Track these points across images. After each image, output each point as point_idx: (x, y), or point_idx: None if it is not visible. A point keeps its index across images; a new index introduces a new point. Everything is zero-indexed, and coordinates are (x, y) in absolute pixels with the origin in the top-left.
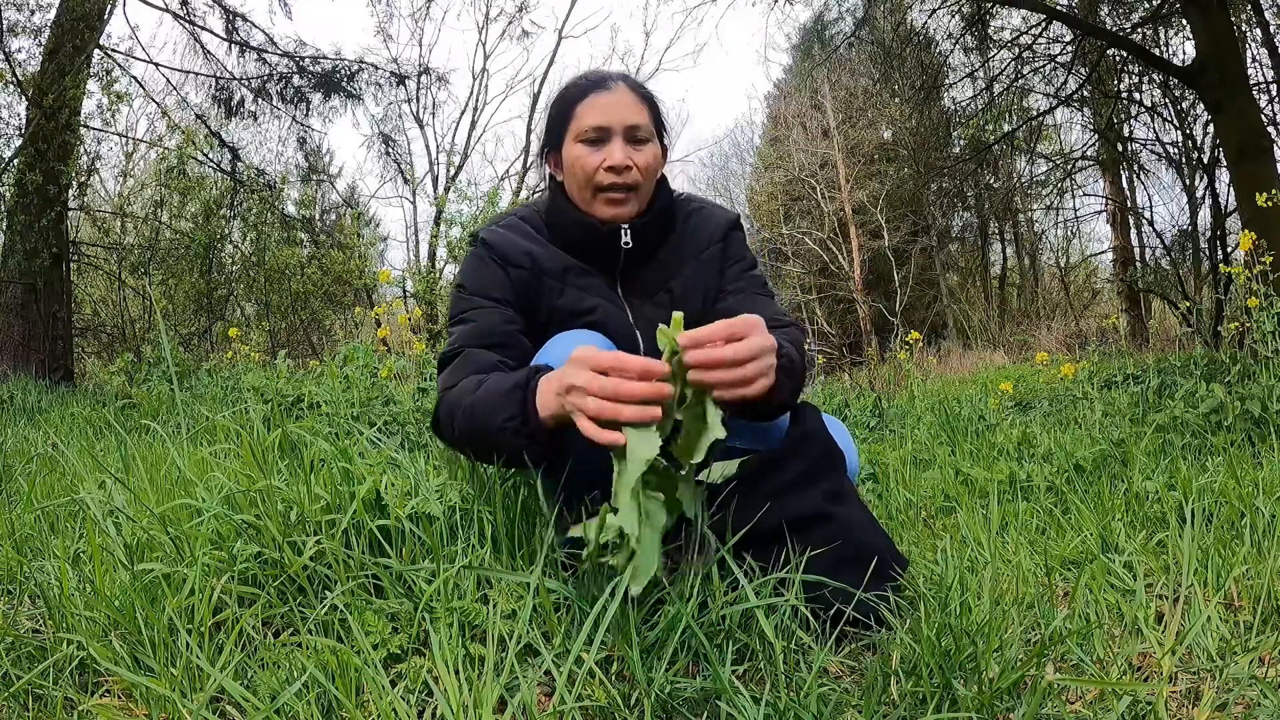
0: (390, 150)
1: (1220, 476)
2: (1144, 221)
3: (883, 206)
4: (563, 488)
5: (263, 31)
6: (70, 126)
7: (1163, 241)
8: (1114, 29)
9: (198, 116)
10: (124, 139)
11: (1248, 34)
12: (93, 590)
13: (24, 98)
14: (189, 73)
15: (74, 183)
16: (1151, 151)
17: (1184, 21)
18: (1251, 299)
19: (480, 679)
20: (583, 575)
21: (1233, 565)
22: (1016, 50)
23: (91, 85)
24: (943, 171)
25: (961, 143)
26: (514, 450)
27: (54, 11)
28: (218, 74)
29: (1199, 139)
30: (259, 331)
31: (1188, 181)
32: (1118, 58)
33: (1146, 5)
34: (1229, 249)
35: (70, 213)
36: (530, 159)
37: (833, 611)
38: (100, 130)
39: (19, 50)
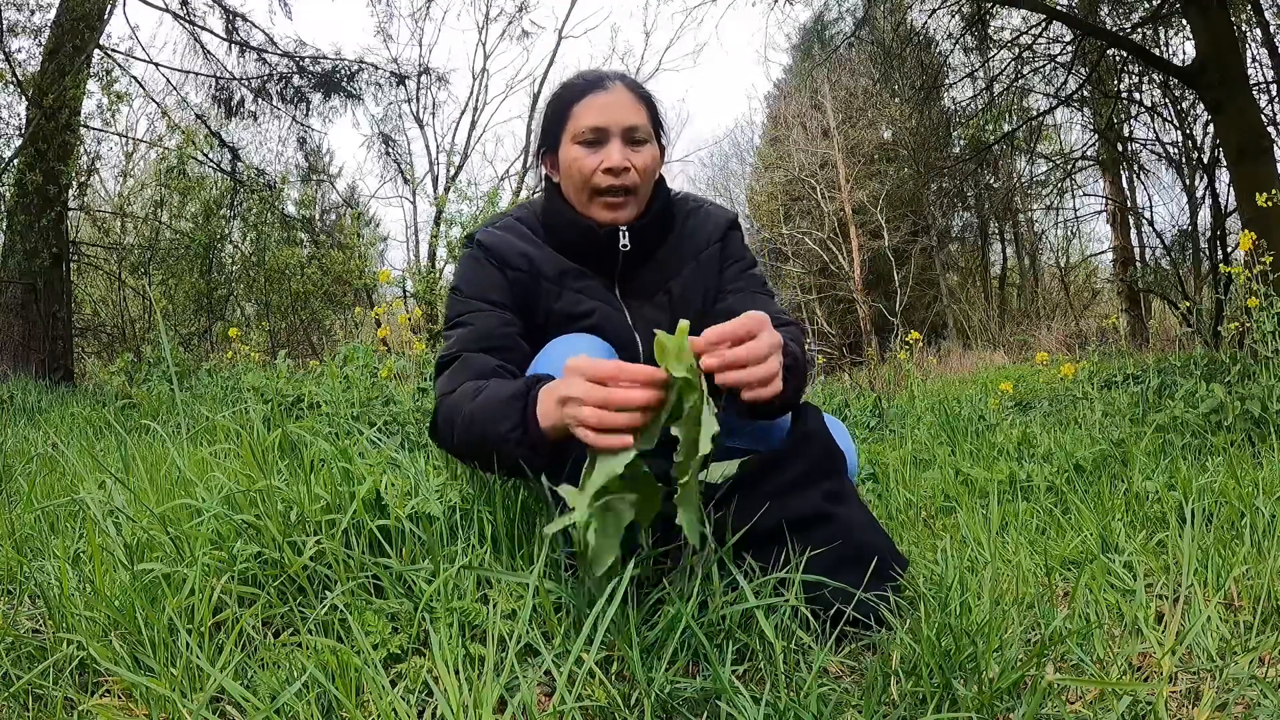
0: (390, 150)
1: (1220, 476)
2: (1144, 221)
3: (883, 206)
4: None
5: (263, 31)
6: (70, 126)
7: (1163, 241)
8: (1114, 29)
9: (198, 116)
10: (124, 139)
11: (1248, 34)
12: (93, 590)
13: (24, 98)
14: (189, 73)
15: (74, 183)
16: (1151, 151)
17: (1184, 21)
18: (1251, 299)
19: (480, 679)
20: (582, 575)
21: (1233, 565)
22: (1016, 50)
23: (91, 85)
24: (943, 171)
25: (961, 143)
26: (514, 459)
27: (54, 11)
28: (218, 74)
29: (1199, 139)
30: (259, 331)
31: (1188, 181)
32: (1118, 58)
33: (1146, 5)
34: (1229, 249)
35: (70, 213)
36: (530, 159)
37: (833, 611)
38: (100, 130)
39: (19, 50)
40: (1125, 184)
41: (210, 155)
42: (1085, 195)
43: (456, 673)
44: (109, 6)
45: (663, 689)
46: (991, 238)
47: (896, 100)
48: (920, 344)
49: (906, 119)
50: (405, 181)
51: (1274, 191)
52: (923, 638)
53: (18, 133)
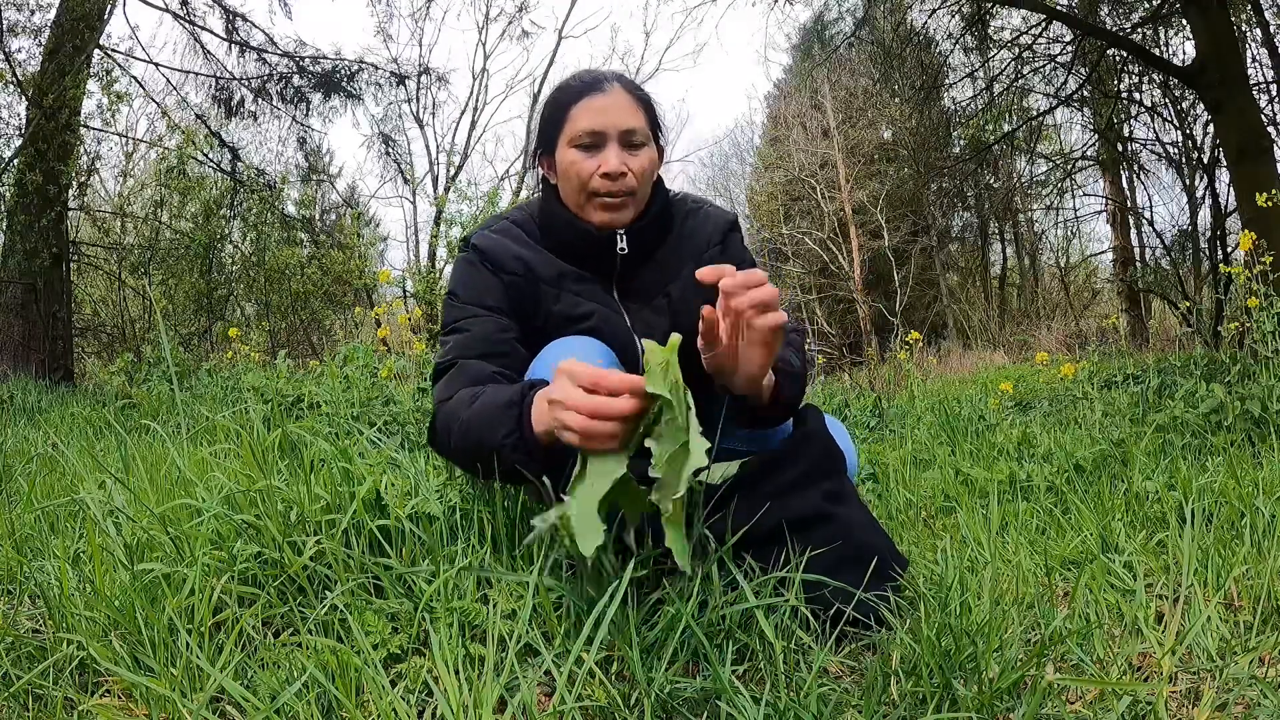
0: (390, 150)
1: (1220, 476)
2: (1144, 221)
3: (883, 206)
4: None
5: (263, 31)
6: (70, 126)
7: (1163, 241)
8: (1114, 29)
9: (198, 116)
10: (124, 139)
11: (1248, 34)
12: (93, 590)
13: (24, 98)
14: (189, 73)
15: (74, 183)
16: (1151, 151)
17: (1184, 21)
18: (1251, 299)
19: (480, 679)
20: (582, 576)
21: (1233, 565)
22: (1016, 50)
23: (91, 85)
24: (943, 171)
25: (961, 143)
26: (510, 465)
27: (54, 11)
28: (218, 74)
29: (1199, 139)
30: (259, 331)
31: (1188, 181)
32: (1118, 58)
33: (1146, 5)
34: (1229, 249)
35: (70, 213)
36: (529, 160)
37: (833, 611)
38: (100, 130)
39: (19, 50)
40: (1125, 184)
41: (210, 155)
42: (1085, 195)
43: (456, 673)
44: (109, 6)
45: (663, 689)
46: (991, 238)
47: (896, 100)
48: (920, 344)
49: (906, 119)
50: (405, 181)
51: (1274, 191)
52: (923, 638)
53: (18, 133)
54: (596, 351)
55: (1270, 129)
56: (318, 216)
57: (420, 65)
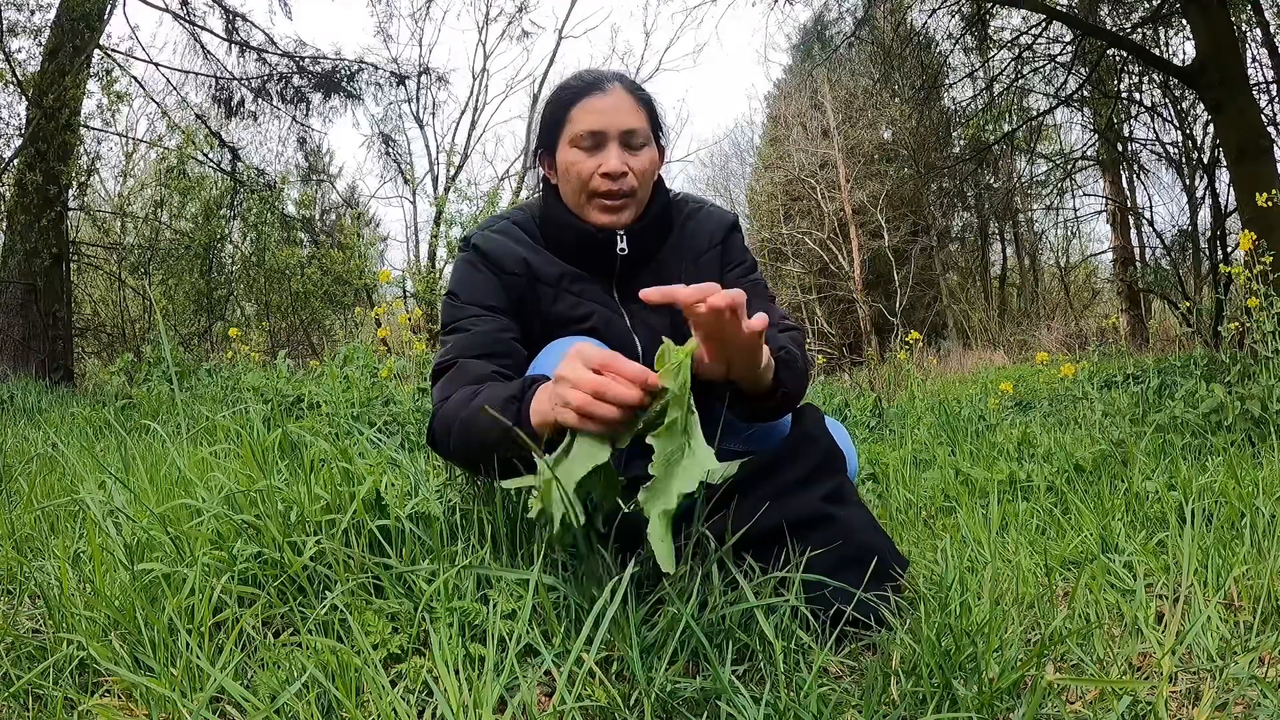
0: (390, 150)
1: (1220, 476)
2: (1144, 221)
3: (883, 206)
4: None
5: (263, 31)
6: (70, 126)
7: (1163, 241)
8: (1114, 29)
9: (198, 116)
10: (124, 139)
11: (1248, 34)
12: (93, 590)
13: (24, 98)
14: (189, 73)
15: (74, 183)
16: (1151, 151)
17: (1184, 21)
18: (1251, 299)
19: (480, 679)
20: (582, 575)
21: (1233, 565)
22: (1016, 50)
23: (91, 85)
24: (943, 171)
25: (961, 143)
26: (509, 461)
27: (54, 11)
28: (218, 74)
29: (1199, 139)
30: (259, 331)
31: (1188, 181)
32: (1118, 58)
33: (1146, 5)
34: (1229, 249)
35: (70, 213)
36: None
37: (833, 612)
38: (100, 130)
39: (19, 50)
40: (1125, 184)
41: (210, 155)
42: (1085, 195)
43: (456, 673)
44: (109, 6)
45: (663, 689)
46: (991, 238)
47: (896, 100)
48: (920, 344)
49: (906, 119)
50: (405, 181)
51: (1274, 191)
52: (923, 638)
53: (18, 133)
54: None
55: (1270, 129)
56: (318, 216)
57: (420, 65)
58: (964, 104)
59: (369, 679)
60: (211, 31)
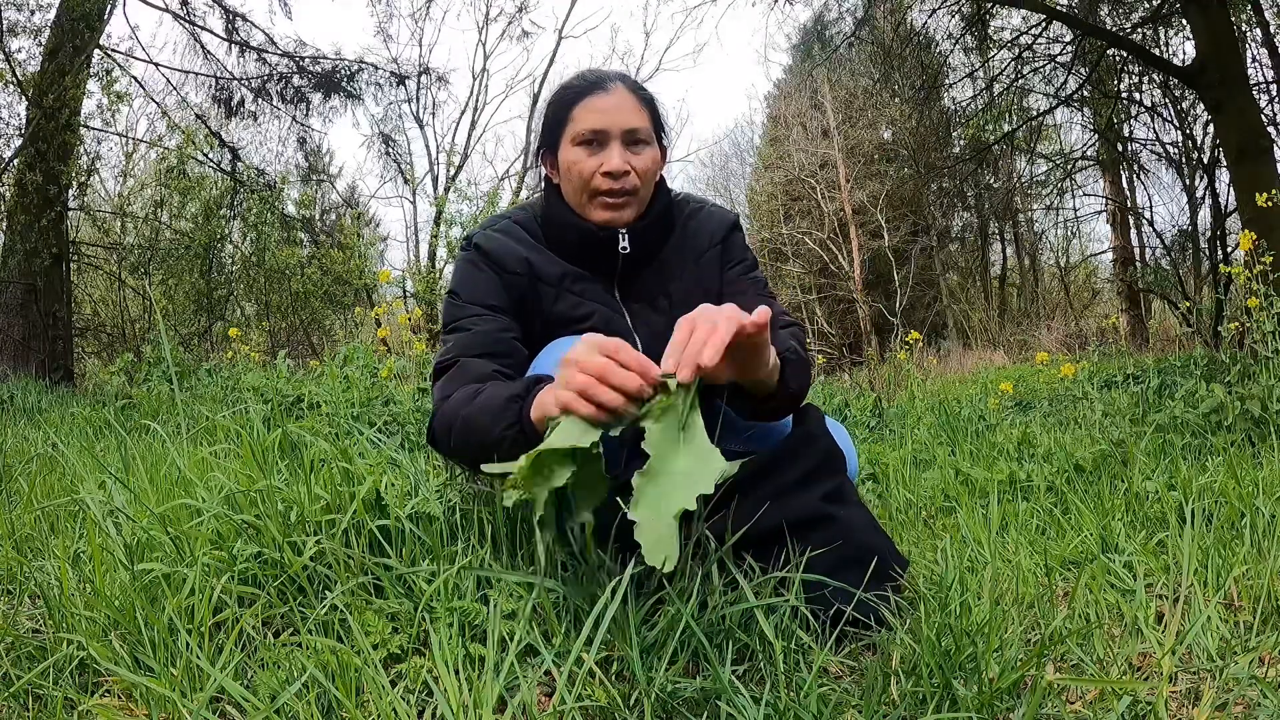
0: (390, 150)
1: (1220, 476)
2: (1144, 221)
3: (883, 206)
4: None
5: (263, 31)
6: (70, 126)
7: (1163, 241)
8: (1114, 29)
9: (198, 116)
10: (124, 139)
11: (1248, 34)
12: (93, 590)
13: (24, 98)
14: (189, 73)
15: (74, 183)
16: (1151, 151)
17: (1184, 21)
18: (1251, 299)
19: (480, 679)
20: (582, 575)
21: (1233, 565)
22: (1016, 50)
23: (91, 85)
24: (943, 171)
25: (961, 143)
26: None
27: (54, 11)
28: (218, 74)
29: (1199, 139)
30: (259, 331)
31: (1188, 181)
32: (1118, 58)
33: (1146, 5)
34: (1229, 249)
35: (70, 213)
36: (530, 159)
37: (833, 612)
38: (100, 130)
39: (19, 50)
40: (1125, 184)
41: (210, 155)
42: (1085, 195)
43: (456, 673)
44: (109, 6)
45: (663, 689)
46: (991, 238)
47: (896, 100)
48: (920, 344)
49: (906, 119)
50: (405, 181)
51: (1274, 191)
52: (923, 638)
53: (18, 133)
54: None
55: (1270, 129)
56: (318, 216)
57: (420, 65)
58: (964, 104)
59: (369, 679)
60: (211, 31)
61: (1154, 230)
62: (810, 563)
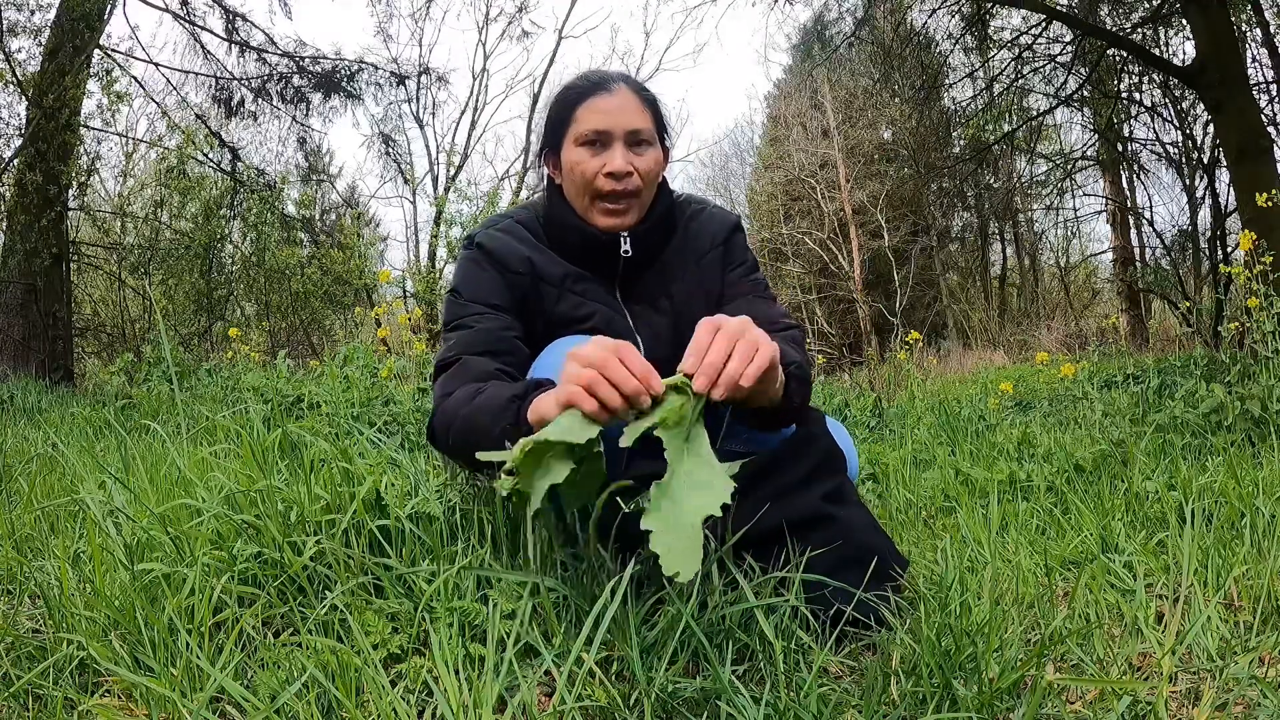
0: (390, 150)
1: (1220, 476)
2: (1144, 221)
3: (883, 206)
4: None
5: (263, 31)
6: (70, 126)
7: (1163, 241)
8: (1114, 29)
9: (198, 116)
10: (124, 139)
11: (1248, 34)
12: (93, 590)
13: (24, 98)
14: (189, 73)
15: (74, 183)
16: (1151, 151)
17: (1184, 21)
18: (1251, 299)
19: (480, 679)
20: (582, 575)
21: (1233, 565)
22: (1016, 50)
23: (91, 85)
24: (943, 171)
25: (961, 143)
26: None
27: (54, 11)
28: (218, 74)
29: (1199, 139)
30: (259, 331)
31: (1188, 181)
32: (1118, 58)
33: (1146, 5)
34: (1229, 249)
35: (70, 213)
36: (530, 159)
37: (833, 612)
38: (100, 130)
39: (19, 50)
40: (1125, 184)
41: (210, 155)
42: (1085, 195)
43: (456, 673)
44: (109, 6)
45: (663, 689)
46: (991, 238)
47: (896, 100)
48: (920, 344)
49: (906, 119)
50: (405, 181)
51: (1274, 191)
52: (923, 638)
53: (18, 133)
54: None
55: (1270, 129)
56: (318, 216)
57: (420, 65)
58: (964, 104)
59: (369, 679)
60: (211, 31)
61: (1154, 230)
62: (810, 563)
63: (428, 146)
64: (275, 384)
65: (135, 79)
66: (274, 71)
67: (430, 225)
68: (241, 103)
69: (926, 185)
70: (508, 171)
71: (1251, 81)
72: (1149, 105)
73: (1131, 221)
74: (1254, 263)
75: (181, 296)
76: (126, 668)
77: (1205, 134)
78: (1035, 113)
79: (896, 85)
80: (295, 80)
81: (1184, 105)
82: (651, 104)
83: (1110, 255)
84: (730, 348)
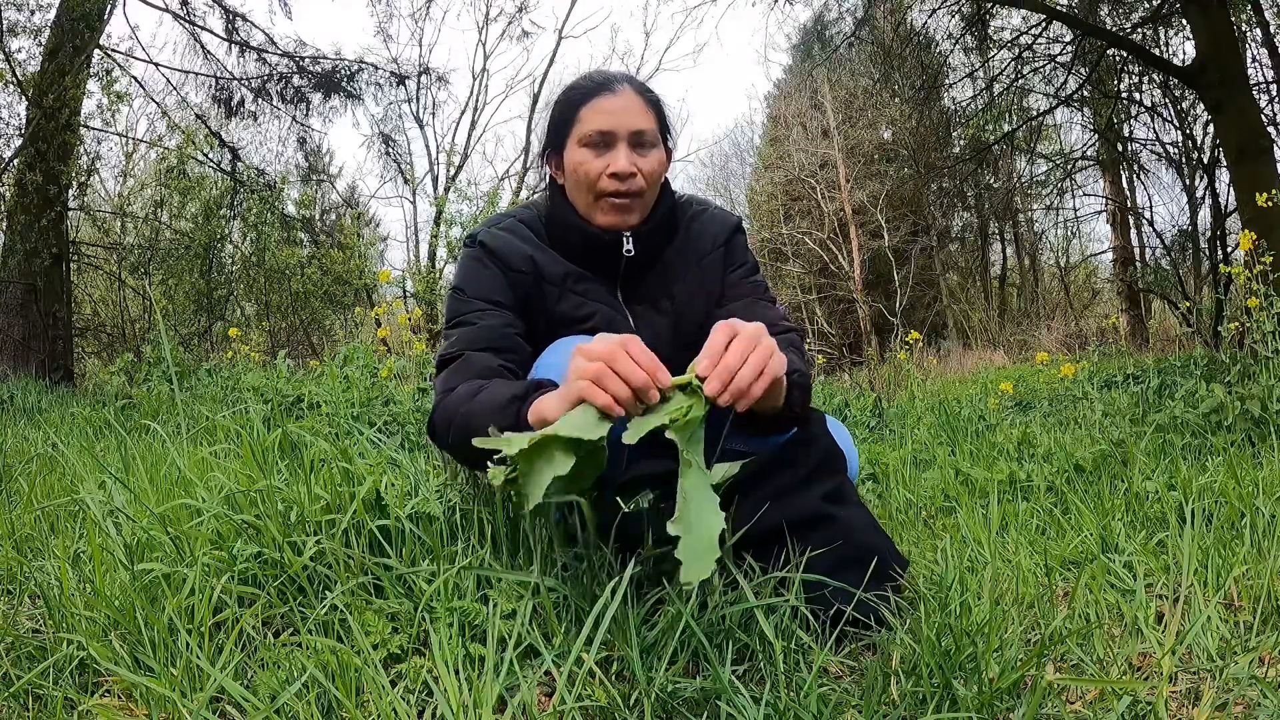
0: (390, 150)
1: (1220, 476)
2: (1144, 221)
3: (883, 206)
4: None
5: (263, 31)
6: (70, 126)
7: (1163, 241)
8: (1114, 29)
9: (198, 116)
10: (124, 139)
11: (1248, 34)
12: (93, 590)
13: (24, 98)
14: (189, 73)
15: (74, 183)
16: (1151, 151)
17: (1184, 21)
18: (1251, 299)
19: (480, 679)
20: (582, 575)
21: (1233, 565)
22: (1016, 50)
23: (91, 85)
24: (943, 171)
25: (961, 143)
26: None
27: (54, 11)
28: (218, 74)
29: (1199, 139)
30: (259, 331)
31: (1188, 181)
32: (1118, 58)
33: (1146, 5)
34: (1229, 249)
35: (70, 213)
36: (530, 159)
37: (833, 612)
38: (100, 130)
39: (19, 50)
40: (1125, 184)
41: (210, 155)
42: (1085, 195)
43: (456, 673)
44: (109, 6)
45: (663, 689)
46: (991, 238)
47: (896, 100)
48: (920, 344)
49: (906, 119)
50: (405, 181)
51: (1274, 191)
52: (923, 638)
53: (18, 133)
54: None
55: (1270, 129)
56: (318, 216)
57: (420, 65)
58: (964, 104)
59: (369, 679)
60: (211, 31)
61: (1154, 230)
62: (810, 563)
63: (428, 146)
64: (275, 384)
65: (135, 79)
66: (274, 71)
67: (430, 225)
68: (241, 103)
69: (926, 185)
70: (508, 171)
71: (1251, 81)
72: (1149, 105)
73: (1131, 221)
74: (1254, 263)
75: (181, 296)
76: (126, 668)
77: (1205, 134)
78: (1035, 113)
79: (896, 85)
80: (295, 80)
81: (1184, 105)
82: (655, 105)
83: (1110, 255)
84: (746, 354)
